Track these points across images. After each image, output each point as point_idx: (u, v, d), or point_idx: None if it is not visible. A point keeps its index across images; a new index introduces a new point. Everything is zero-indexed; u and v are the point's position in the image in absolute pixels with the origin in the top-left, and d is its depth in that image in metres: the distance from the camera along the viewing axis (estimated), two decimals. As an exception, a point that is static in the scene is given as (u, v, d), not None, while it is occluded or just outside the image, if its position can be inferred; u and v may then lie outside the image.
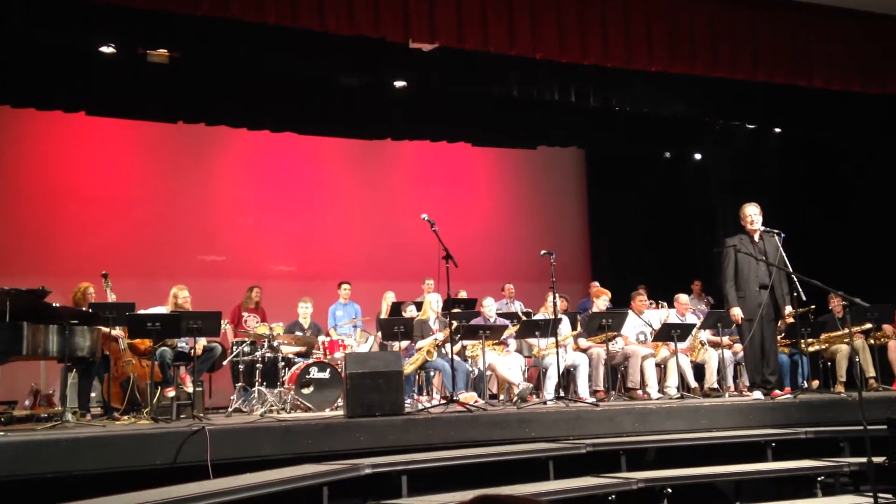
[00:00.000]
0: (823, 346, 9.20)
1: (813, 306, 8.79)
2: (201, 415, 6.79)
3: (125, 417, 6.76)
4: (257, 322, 9.39)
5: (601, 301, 8.96)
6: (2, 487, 4.61)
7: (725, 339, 8.91)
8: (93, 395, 7.49)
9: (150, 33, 7.83)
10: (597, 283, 10.14)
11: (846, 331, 8.92)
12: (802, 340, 8.57)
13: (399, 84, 9.92)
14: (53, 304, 6.36)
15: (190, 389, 7.19)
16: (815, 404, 7.21)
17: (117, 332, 7.29)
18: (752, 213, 7.49)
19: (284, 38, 8.03)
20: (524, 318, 8.55)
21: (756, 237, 7.49)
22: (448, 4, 7.90)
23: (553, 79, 9.27)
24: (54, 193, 10.54)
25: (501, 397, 8.46)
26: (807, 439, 6.51)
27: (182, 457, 5.04)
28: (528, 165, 13.28)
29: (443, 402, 7.10)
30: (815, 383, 8.92)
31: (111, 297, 7.70)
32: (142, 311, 7.20)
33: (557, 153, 13.10)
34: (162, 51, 8.82)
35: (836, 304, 9.32)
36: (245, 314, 9.52)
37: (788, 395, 7.47)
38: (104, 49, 8.59)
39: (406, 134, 11.30)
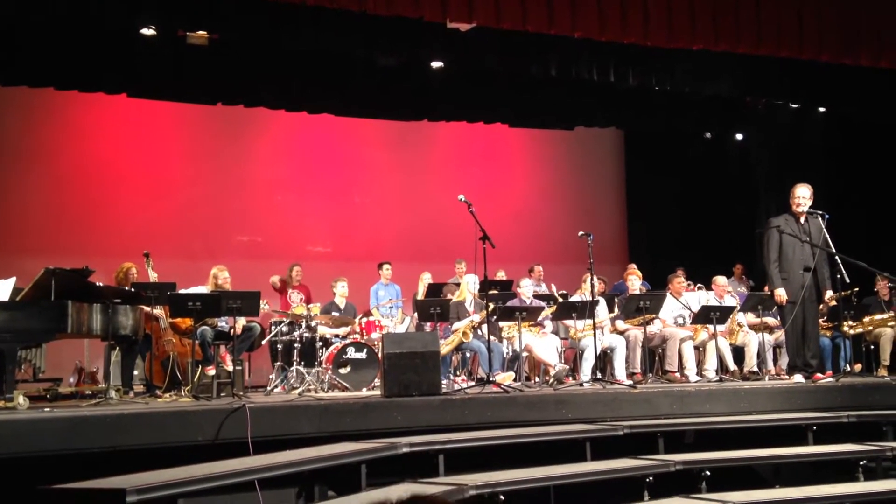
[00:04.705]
0: (867, 329, 9.03)
1: (857, 288, 8.61)
2: (241, 393, 6.88)
3: (167, 395, 6.86)
4: (301, 300, 9.48)
5: (632, 282, 8.89)
6: (50, 461, 4.73)
7: (770, 321, 8.75)
8: (135, 373, 7.61)
9: (190, 15, 7.90)
10: (633, 266, 10.02)
11: (892, 313, 8.76)
12: (845, 323, 8.42)
13: (436, 65, 9.87)
14: (97, 284, 6.44)
15: (230, 368, 7.29)
16: (857, 388, 7.10)
17: (158, 311, 7.40)
18: (802, 196, 7.33)
19: (322, 20, 8.04)
20: (561, 299, 8.52)
21: (801, 219, 7.36)
22: (486, -17, 7.84)
23: (592, 58, 9.17)
24: (97, 174, 10.71)
25: (536, 379, 8.45)
26: (849, 423, 6.43)
27: (223, 434, 5.11)
28: (566, 146, 13.15)
29: (479, 382, 7.11)
30: (858, 367, 8.78)
31: (153, 277, 7.81)
32: (183, 291, 7.29)
33: (596, 134, 12.95)
34: (202, 32, 8.87)
35: (882, 286, 9.14)
36: (290, 291, 9.62)
37: (830, 379, 7.36)
38: (145, 31, 8.67)
39: (443, 115, 11.25)
